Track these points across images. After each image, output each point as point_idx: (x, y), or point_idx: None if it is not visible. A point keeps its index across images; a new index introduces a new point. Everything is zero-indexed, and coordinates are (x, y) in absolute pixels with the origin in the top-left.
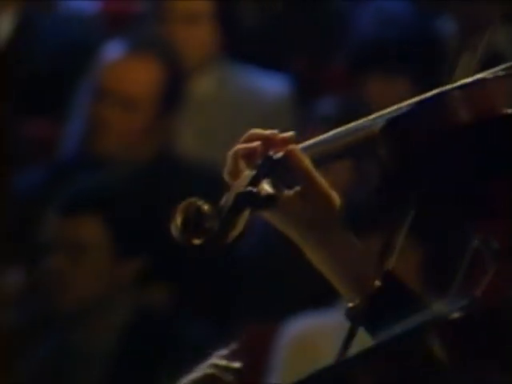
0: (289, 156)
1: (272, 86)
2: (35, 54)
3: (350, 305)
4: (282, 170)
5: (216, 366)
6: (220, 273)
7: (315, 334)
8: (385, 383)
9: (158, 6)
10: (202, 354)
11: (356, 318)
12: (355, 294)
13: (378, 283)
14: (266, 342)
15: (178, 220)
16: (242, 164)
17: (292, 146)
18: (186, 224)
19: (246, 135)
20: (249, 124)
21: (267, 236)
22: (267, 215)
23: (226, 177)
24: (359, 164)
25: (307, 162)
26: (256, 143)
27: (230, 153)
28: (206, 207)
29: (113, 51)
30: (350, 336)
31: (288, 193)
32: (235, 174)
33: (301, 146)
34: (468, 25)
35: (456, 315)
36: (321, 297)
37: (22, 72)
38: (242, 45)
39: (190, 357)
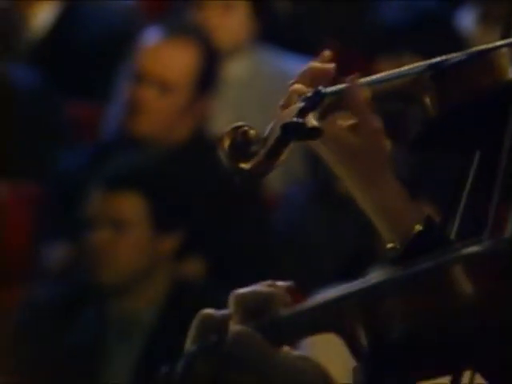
0: (348, 88)
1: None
2: (79, 41)
3: (390, 245)
4: (335, 103)
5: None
6: (253, 246)
7: None
8: (411, 305)
9: None
10: None
11: (394, 259)
12: (395, 236)
13: (419, 227)
14: None
15: (225, 143)
16: (295, 98)
17: (351, 80)
18: (233, 147)
19: (299, 72)
20: None
21: (301, 212)
22: (319, 148)
23: (278, 110)
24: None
25: (362, 99)
26: (306, 77)
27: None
28: (252, 132)
29: (151, 36)
30: None
31: (340, 124)
32: (287, 107)
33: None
34: (488, 13)
35: (483, 251)
36: (348, 270)
37: (66, 57)
38: (275, 30)
39: None
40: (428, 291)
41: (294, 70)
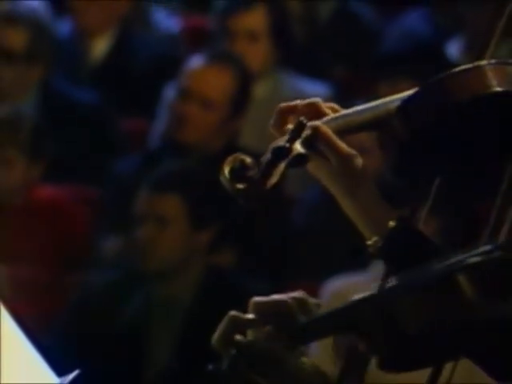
0: (315, 130)
1: (316, 90)
2: (131, 66)
3: (369, 242)
4: (311, 137)
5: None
6: (276, 239)
7: (351, 292)
8: (418, 313)
9: (226, 27)
10: None
11: (374, 253)
12: (374, 234)
13: (392, 224)
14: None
15: (226, 170)
16: (283, 119)
17: (317, 123)
18: (232, 173)
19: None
20: None
21: (315, 209)
22: (310, 170)
23: (271, 129)
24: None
25: (330, 134)
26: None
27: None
28: (248, 159)
29: (195, 61)
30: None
31: (318, 154)
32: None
33: (329, 117)
34: (474, 44)
35: (482, 258)
36: (357, 260)
37: (121, 80)
38: (292, 56)
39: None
40: (436, 294)
41: (307, 90)
